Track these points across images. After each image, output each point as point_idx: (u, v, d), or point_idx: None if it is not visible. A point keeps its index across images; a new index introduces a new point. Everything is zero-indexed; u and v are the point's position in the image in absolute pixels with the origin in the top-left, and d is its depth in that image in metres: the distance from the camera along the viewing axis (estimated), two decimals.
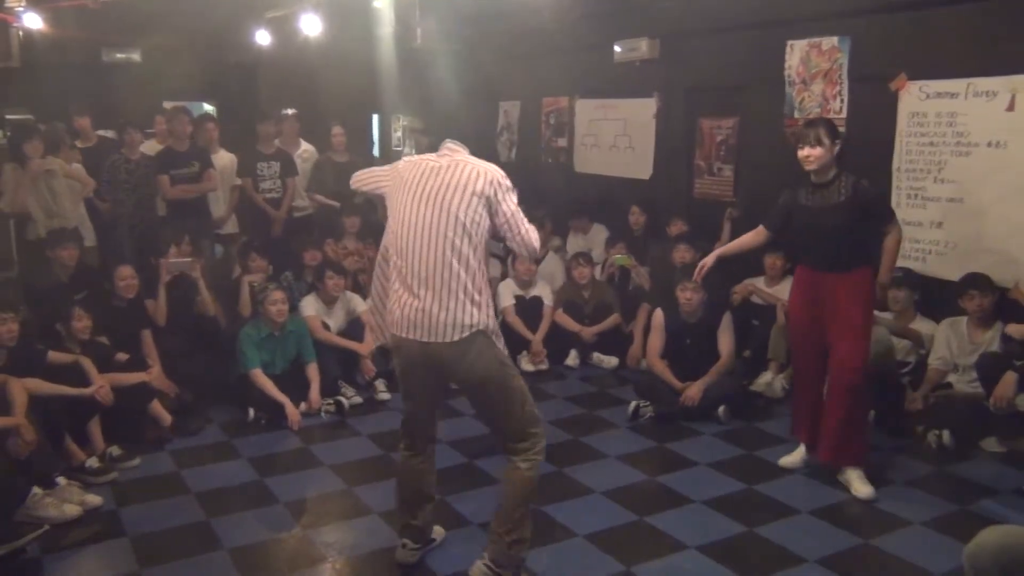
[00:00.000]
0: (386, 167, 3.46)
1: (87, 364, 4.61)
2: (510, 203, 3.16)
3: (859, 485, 4.17)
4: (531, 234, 3.23)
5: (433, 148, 3.32)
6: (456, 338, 3.10)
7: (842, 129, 5.82)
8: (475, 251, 3.12)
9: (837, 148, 4.09)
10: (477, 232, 3.12)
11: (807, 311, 4.27)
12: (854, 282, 4.11)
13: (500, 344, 3.22)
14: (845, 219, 4.06)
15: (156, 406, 4.95)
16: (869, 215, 4.10)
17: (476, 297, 3.11)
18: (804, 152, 4.10)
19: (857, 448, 4.21)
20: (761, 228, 4.46)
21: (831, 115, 5.91)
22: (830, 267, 4.14)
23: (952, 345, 4.91)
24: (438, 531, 3.72)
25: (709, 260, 4.57)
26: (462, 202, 3.09)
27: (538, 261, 6.98)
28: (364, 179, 3.51)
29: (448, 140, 3.28)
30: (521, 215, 3.19)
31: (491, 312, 3.18)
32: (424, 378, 3.30)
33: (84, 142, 7.49)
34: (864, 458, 4.24)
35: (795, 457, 4.52)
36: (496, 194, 3.12)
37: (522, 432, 3.24)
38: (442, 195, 3.11)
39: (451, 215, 3.09)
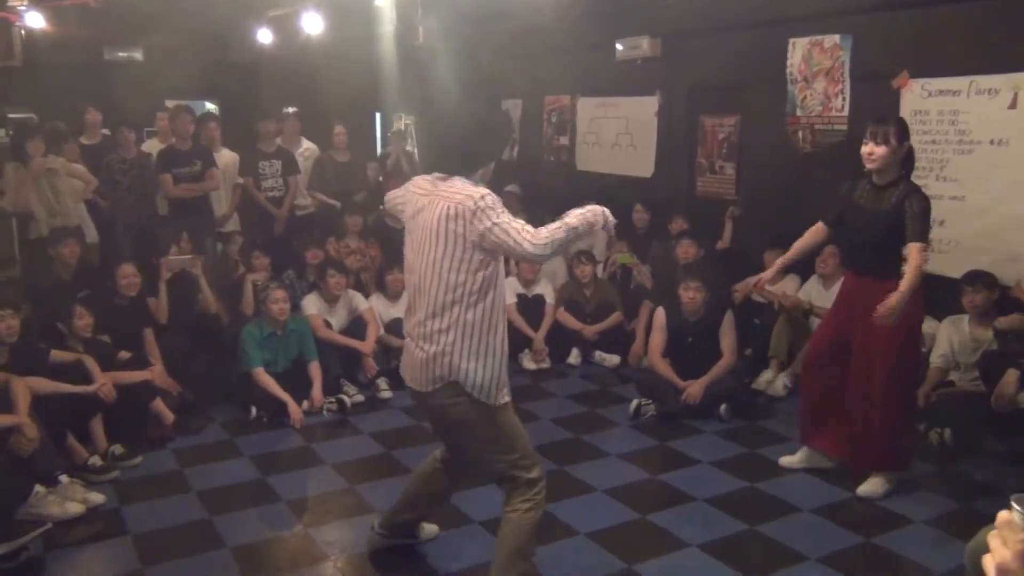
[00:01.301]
0: (403, 188, 3.27)
1: (90, 363, 4.62)
2: (487, 222, 2.80)
3: (871, 484, 4.15)
4: (523, 242, 2.80)
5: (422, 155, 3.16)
6: (430, 389, 2.98)
7: (843, 128, 5.85)
8: (454, 294, 2.88)
9: (904, 151, 3.90)
10: (457, 273, 2.86)
11: (840, 312, 4.17)
12: (890, 289, 3.87)
13: (485, 385, 2.95)
14: (885, 229, 3.87)
15: (158, 404, 4.95)
16: (905, 226, 3.86)
17: (449, 348, 2.90)
18: (867, 148, 3.88)
19: (892, 455, 4.12)
20: (819, 224, 4.26)
21: (832, 113, 5.92)
22: (867, 271, 4.00)
23: (954, 343, 4.90)
24: (429, 529, 3.73)
25: (768, 275, 4.43)
26: (435, 244, 2.88)
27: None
28: (392, 201, 3.34)
29: (439, 171, 3.03)
30: (507, 226, 2.81)
31: (478, 361, 2.92)
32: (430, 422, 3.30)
33: (90, 138, 7.50)
34: (895, 465, 4.16)
35: (795, 458, 4.50)
36: (469, 224, 2.82)
37: (503, 475, 3.07)
38: (420, 237, 2.95)
39: (426, 259, 2.92)
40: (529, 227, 2.84)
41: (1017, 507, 1.09)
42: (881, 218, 3.90)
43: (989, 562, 1.08)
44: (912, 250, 3.80)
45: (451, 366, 2.92)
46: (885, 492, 4.12)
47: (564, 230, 2.86)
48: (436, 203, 2.92)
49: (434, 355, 2.93)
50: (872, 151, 3.87)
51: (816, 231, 4.28)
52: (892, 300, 3.76)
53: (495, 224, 2.81)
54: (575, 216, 2.91)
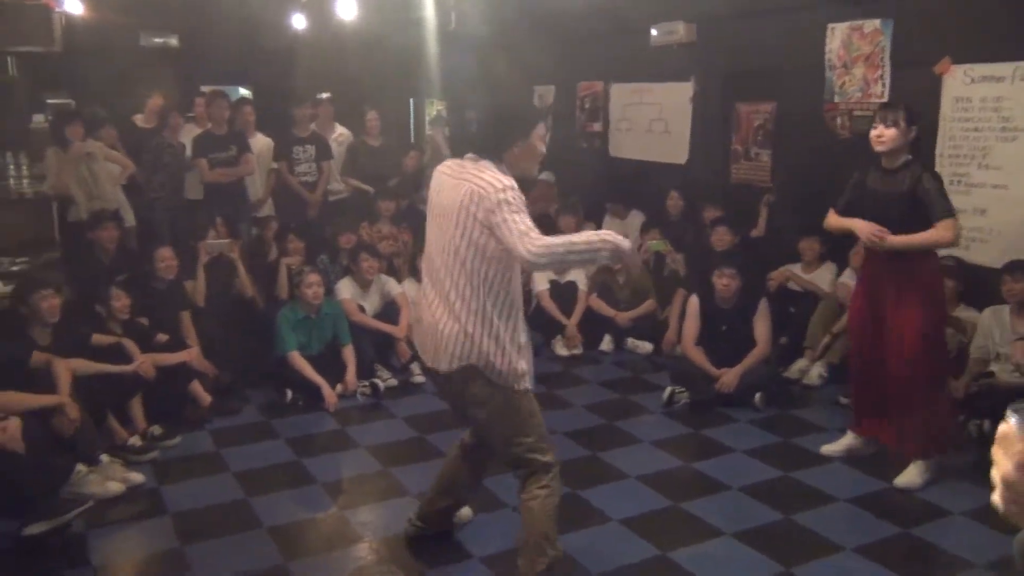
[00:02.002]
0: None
1: (129, 345, 4.70)
2: (500, 215, 2.82)
3: (909, 474, 4.11)
4: (520, 244, 2.78)
5: (453, 140, 3.21)
6: (445, 369, 3.02)
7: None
8: (473, 278, 2.92)
9: (912, 134, 3.95)
10: (473, 257, 2.91)
11: (868, 301, 4.17)
12: (914, 273, 3.97)
13: (504, 370, 2.98)
14: (903, 211, 3.91)
15: (196, 386, 5.03)
16: (925, 209, 3.91)
17: (470, 329, 2.94)
18: (877, 131, 3.95)
19: (929, 440, 4.10)
20: (832, 212, 4.28)
21: (872, 99, 5.82)
22: (890, 256, 4.01)
23: (994, 333, 4.82)
24: (464, 514, 3.75)
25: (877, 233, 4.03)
26: (455, 226, 2.92)
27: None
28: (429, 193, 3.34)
29: (471, 152, 3.06)
30: (514, 224, 2.80)
31: (497, 345, 2.95)
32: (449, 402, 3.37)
33: (147, 122, 7.59)
34: (930, 451, 4.13)
35: (838, 446, 4.47)
36: (486, 212, 2.85)
37: (519, 459, 3.08)
38: (442, 217, 3.00)
39: (447, 240, 2.96)
40: (536, 232, 2.82)
41: (1014, 417, 1.09)
42: (897, 200, 3.95)
43: (995, 475, 1.13)
44: (941, 225, 3.86)
45: (471, 347, 2.95)
46: (924, 483, 4.08)
47: (565, 247, 2.84)
48: (461, 185, 2.95)
49: (453, 335, 2.96)
50: (882, 134, 3.95)
51: (831, 218, 4.30)
52: (892, 238, 3.91)
53: (504, 220, 2.83)
54: (583, 237, 2.92)
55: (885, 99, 5.72)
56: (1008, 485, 1.08)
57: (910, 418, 4.06)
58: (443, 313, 3.00)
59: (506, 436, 3.07)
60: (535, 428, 3.08)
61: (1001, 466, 1.10)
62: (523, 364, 3.04)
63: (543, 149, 3.12)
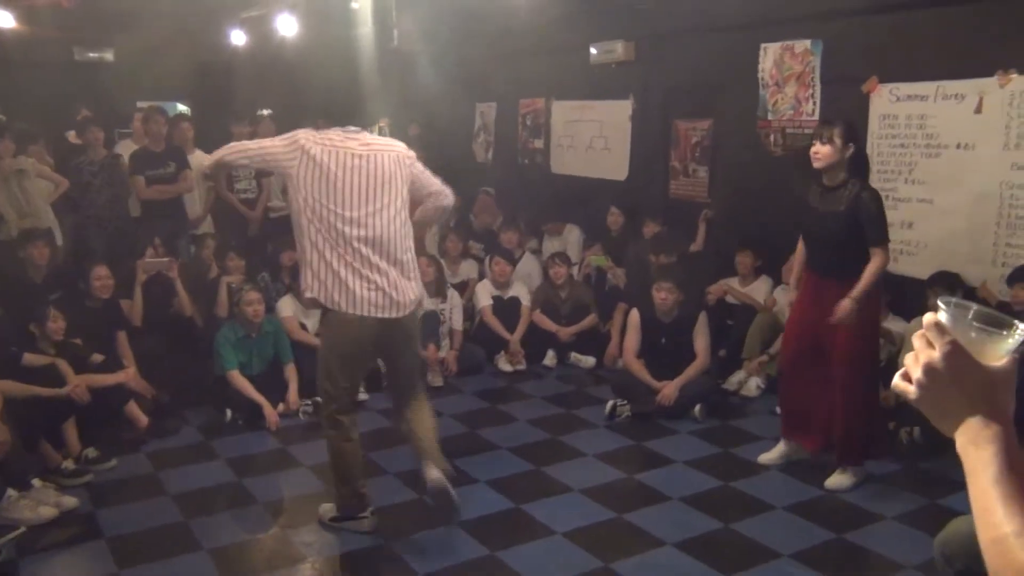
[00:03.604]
0: (271, 142, 3.62)
1: (63, 366, 4.58)
2: (416, 167, 3.73)
3: (838, 477, 4.26)
4: (444, 185, 3.82)
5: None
6: (408, 312, 3.65)
7: (811, 131, 5.93)
8: (407, 233, 3.69)
9: (850, 151, 4.01)
10: (407, 212, 3.68)
11: (807, 314, 4.26)
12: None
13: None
14: (843, 228, 4.00)
15: (132, 407, 4.91)
16: (863, 227, 4.01)
17: (414, 275, 3.71)
18: (814, 148, 4.05)
19: (852, 450, 4.27)
20: (800, 243, 4.42)
21: (803, 117, 6.00)
22: (830, 273, 4.12)
23: None
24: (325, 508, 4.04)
25: (792, 295, 4.49)
26: (401, 186, 3.61)
27: (515, 262, 7.01)
28: (237, 153, 3.64)
29: (351, 126, 3.61)
30: (428, 172, 3.79)
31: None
32: (369, 353, 3.81)
33: (79, 138, 7.40)
34: (854, 458, 4.29)
35: (774, 454, 4.57)
36: (406, 170, 3.65)
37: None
38: (387, 182, 3.55)
39: (398, 200, 3.59)
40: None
41: (944, 312, 1.08)
42: (836, 219, 4.03)
43: (912, 361, 1.09)
44: (873, 254, 3.98)
45: (417, 289, 3.72)
46: (851, 485, 4.22)
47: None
48: (382, 154, 3.62)
49: (411, 286, 3.67)
50: (818, 151, 4.03)
51: (801, 246, 4.42)
52: (845, 302, 3.95)
53: (422, 170, 3.84)
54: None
55: (816, 116, 5.91)
56: (929, 373, 1.07)
57: (839, 430, 4.21)
58: (397, 273, 3.57)
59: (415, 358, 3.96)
60: None
61: (925, 354, 1.07)
62: None
63: None
